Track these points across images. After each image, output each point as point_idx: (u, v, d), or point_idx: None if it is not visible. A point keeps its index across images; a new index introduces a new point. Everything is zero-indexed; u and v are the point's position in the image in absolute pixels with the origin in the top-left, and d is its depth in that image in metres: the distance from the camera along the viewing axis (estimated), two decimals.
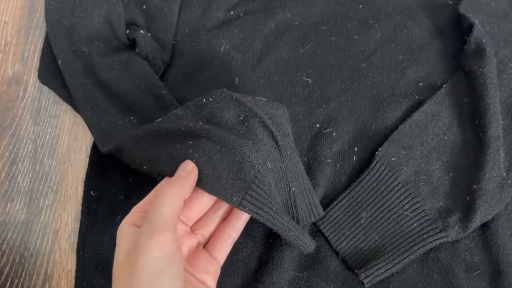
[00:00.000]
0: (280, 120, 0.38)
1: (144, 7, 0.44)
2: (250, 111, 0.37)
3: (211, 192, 0.35)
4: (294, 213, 0.39)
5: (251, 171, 0.35)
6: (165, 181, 0.34)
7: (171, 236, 0.30)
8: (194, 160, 0.35)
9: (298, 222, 0.39)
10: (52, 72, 0.48)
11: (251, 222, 0.43)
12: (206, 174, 0.35)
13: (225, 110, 0.37)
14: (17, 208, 0.47)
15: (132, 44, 0.47)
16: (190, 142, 0.36)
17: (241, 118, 0.37)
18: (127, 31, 0.44)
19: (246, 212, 0.35)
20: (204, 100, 0.38)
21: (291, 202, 0.39)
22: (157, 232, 0.30)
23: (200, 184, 0.35)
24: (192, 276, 0.35)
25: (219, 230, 0.37)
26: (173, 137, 0.37)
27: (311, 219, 0.41)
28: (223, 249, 0.37)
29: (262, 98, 0.39)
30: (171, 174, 0.34)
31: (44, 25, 0.52)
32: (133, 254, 0.30)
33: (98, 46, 0.44)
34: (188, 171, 0.34)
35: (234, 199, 0.35)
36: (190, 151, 0.35)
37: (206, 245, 0.38)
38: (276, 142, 0.37)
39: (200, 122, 0.37)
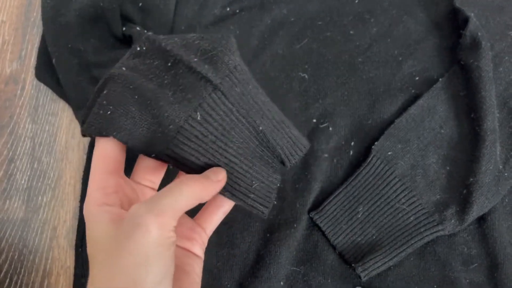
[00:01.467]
0: (218, 55, 0.32)
1: (140, 4, 0.45)
2: (174, 57, 0.32)
3: (132, 148, 0.31)
4: (277, 154, 0.34)
5: (171, 126, 0.31)
6: (196, 176, 0.31)
7: (173, 225, 0.28)
8: (109, 112, 0.31)
9: (284, 164, 0.35)
10: (48, 70, 0.48)
11: (249, 217, 0.43)
12: (124, 127, 0.31)
13: (155, 58, 0.33)
14: (15, 205, 0.47)
15: (128, 41, 0.47)
16: (105, 92, 0.32)
17: (169, 65, 0.33)
18: (124, 28, 0.44)
19: (171, 165, 0.32)
20: (138, 48, 0.33)
21: (266, 143, 0.34)
22: (164, 214, 0.27)
23: (121, 138, 0.31)
24: (176, 246, 0.33)
25: (210, 200, 0.35)
26: (100, 90, 0.33)
27: (299, 154, 0.35)
28: (213, 219, 0.35)
29: (199, 35, 0.34)
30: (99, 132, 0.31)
31: (41, 23, 0.52)
32: (125, 228, 0.27)
33: (94, 44, 0.44)
34: (219, 179, 0.32)
35: (153, 155, 0.31)
36: (105, 102, 0.31)
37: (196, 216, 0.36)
38: (212, 84, 0.32)
39: (123, 68, 0.33)
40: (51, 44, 0.46)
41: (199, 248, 0.34)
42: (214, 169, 0.32)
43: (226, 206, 0.35)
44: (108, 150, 0.31)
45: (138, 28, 0.44)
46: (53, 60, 0.45)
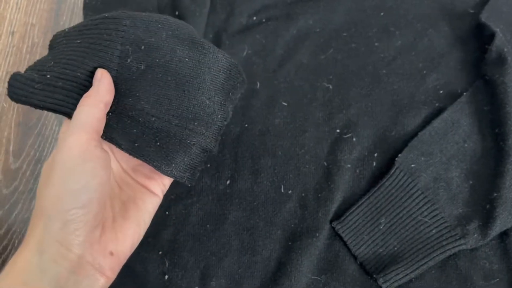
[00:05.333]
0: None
1: (177, 12, 0.46)
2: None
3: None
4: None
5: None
6: (86, 93, 0.35)
7: (87, 136, 0.32)
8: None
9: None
10: None
11: (271, 225, 0.44)
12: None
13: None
14: None
15: None
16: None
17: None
18: None
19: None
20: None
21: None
22: (73, 133, 0.32)
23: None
24: (133, 180, 0.37)
25: None
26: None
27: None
28: None
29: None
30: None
31: None
32: (52, 157, 0.32)
33: None
34: (98, 77, 0.35)
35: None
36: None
37: None
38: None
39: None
40: None
41: (157, 187, 0.37)
42: (94, 76, 0.35)
43: None
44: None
45: None
46: None
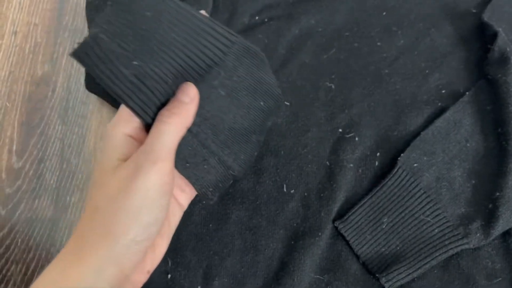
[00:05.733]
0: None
1: None
2: None
3: None
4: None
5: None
6: (170, 106, 0.31)
7: (170, 167, 0.30)
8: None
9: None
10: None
11: (274, 224, 0.44)
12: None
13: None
14: (44, 205, 0.48)
15: None
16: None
17: None
18: None
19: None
20: None
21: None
22: (159, 160, 0.29)
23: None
24: None
25: None
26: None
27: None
28: None
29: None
30: None
31: (73, 27, 0.54)
32: (130, 172, 0.29)
33: None
34: (192, 96, 0.31)
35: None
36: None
37: None
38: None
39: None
40: None
41: (186, 201, 0.35)
42: (183, 88, 0.31)
43: None
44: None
45: None
46: None
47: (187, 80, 0.32)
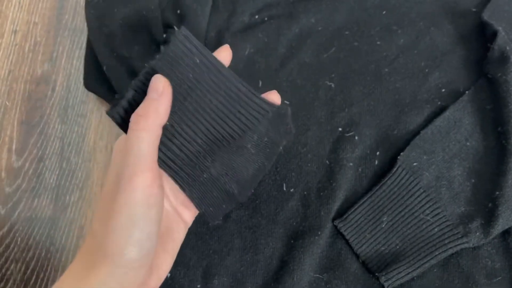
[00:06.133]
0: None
1: (179, 11, 0.46)
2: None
3: None
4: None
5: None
6: (139, 110, 0.29)
7: (152, 176, 0.28)
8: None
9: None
10: (97, 79, 0.49)
11: (273, 223, 0.44)
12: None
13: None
14: (44, 204, 0.48)
15: None
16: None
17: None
18: (164, 35, 0.45)
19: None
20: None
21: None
22: (137, 173, 0.28)
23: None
24: (171, 206, 0.34)
25: None
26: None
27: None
28: None
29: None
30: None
31: (73, 26, 0.54)
32: (110, 192, 0.28)
33: (138, 51, 0.45)
34: (160, 91, 0.29)
35: None
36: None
37: None
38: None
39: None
40: (99, 53, 0.47)
41: (189, 217, 0.35)
42: (151, 84, 0.30)
43: None
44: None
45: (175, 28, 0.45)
46: (104, 68, 0.47)
47: (219, 142, 0.33)
